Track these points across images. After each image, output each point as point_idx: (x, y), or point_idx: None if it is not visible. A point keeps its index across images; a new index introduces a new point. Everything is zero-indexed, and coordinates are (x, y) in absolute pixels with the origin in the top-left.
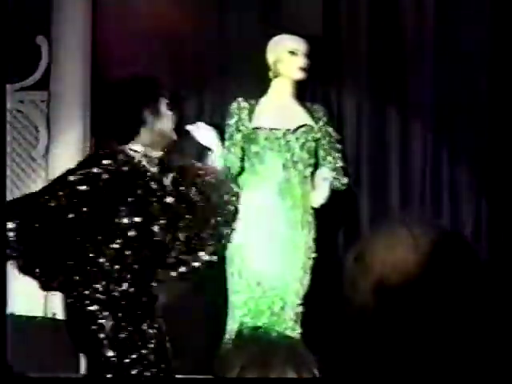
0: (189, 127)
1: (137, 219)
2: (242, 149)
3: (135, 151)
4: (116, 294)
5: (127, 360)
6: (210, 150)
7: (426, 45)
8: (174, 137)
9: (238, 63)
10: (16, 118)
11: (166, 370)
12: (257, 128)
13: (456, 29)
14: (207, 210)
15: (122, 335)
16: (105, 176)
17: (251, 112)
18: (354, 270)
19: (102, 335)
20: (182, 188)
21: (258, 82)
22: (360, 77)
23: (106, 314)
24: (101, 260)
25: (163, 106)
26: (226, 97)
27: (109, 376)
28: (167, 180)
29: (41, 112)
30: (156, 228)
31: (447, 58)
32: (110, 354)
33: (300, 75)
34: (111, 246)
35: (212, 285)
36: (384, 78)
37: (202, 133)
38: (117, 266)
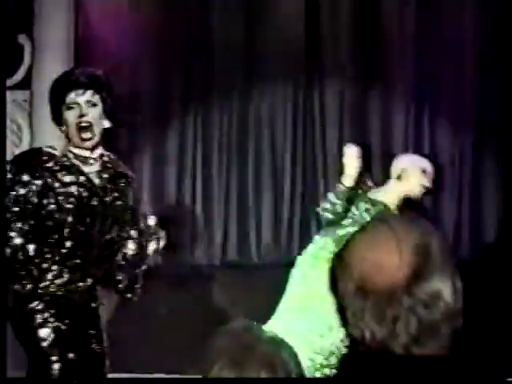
0: (348, 144)
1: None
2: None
3: (69, 151)
4: (59, 292)
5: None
6: (343, 175)
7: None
8: (104, 125)
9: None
10: None
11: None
12: (371, 198)
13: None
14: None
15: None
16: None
17: (366, 191)
18: (335, 271)
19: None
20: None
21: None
22: (343, 68)
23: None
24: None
25: (77, 99)
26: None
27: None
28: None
29: (23, 111)
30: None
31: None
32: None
33: (420, 192)
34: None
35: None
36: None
37: (351, 155)
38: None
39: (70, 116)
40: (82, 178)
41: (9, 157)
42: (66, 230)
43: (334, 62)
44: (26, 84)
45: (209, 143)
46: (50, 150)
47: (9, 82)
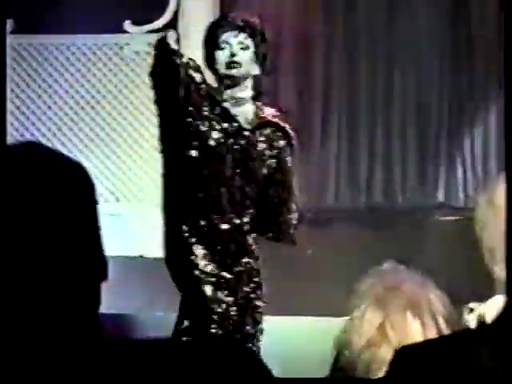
0: None
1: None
2: None
3: None
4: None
5: (221, 297)
6: None
7: None
8: (253, 71)
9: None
10: (145, 61)
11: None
12: None
13: None
14: None
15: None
16: None
17: None
18: (485, 213)
19: (197, 272)
20: None
21: None
22: None
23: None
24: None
25: (229, 39)
26: None
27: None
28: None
29: None
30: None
31: None
32: (206, 289)
33: None
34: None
35: None
36: None
37: None
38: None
39: (221, 55)
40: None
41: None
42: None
43: None
44: (172, 27)
45: (353, 84)
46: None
47: (154, 25)
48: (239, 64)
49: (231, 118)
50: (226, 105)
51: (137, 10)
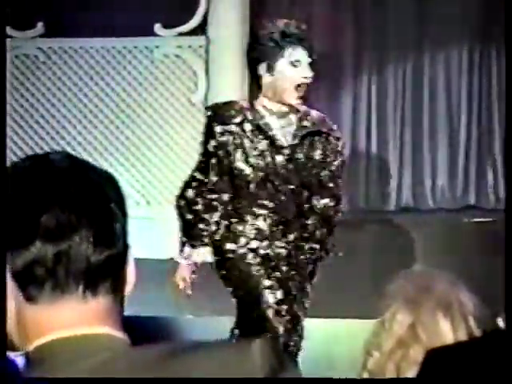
0: None
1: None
2: None
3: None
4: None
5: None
6: None
7: None
8: (291, 100)
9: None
10: (175, 64)
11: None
12: None
13: None
14: None
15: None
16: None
17: None
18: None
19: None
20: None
21: None
22: None
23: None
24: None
25: (283, 62)
26: None
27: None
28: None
29: (199, 57)
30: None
31: None
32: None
33: None
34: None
35: None
36: None
37: None
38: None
39: (294, 72)
40: (271, 135)
41: (180, 103)
42: (252, 186)
43: None
44: (201, 30)
45: (383, 90)
46: (243, 103)
47: (184, 28)
48: (308, 85)
49: (269, 137)
50: (266, 121)
51: (167, 13)
